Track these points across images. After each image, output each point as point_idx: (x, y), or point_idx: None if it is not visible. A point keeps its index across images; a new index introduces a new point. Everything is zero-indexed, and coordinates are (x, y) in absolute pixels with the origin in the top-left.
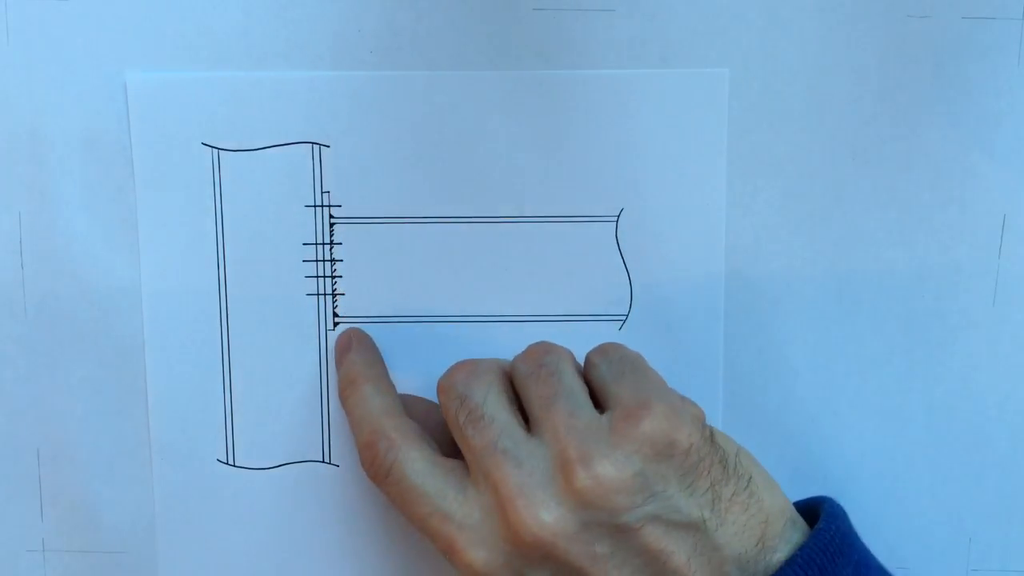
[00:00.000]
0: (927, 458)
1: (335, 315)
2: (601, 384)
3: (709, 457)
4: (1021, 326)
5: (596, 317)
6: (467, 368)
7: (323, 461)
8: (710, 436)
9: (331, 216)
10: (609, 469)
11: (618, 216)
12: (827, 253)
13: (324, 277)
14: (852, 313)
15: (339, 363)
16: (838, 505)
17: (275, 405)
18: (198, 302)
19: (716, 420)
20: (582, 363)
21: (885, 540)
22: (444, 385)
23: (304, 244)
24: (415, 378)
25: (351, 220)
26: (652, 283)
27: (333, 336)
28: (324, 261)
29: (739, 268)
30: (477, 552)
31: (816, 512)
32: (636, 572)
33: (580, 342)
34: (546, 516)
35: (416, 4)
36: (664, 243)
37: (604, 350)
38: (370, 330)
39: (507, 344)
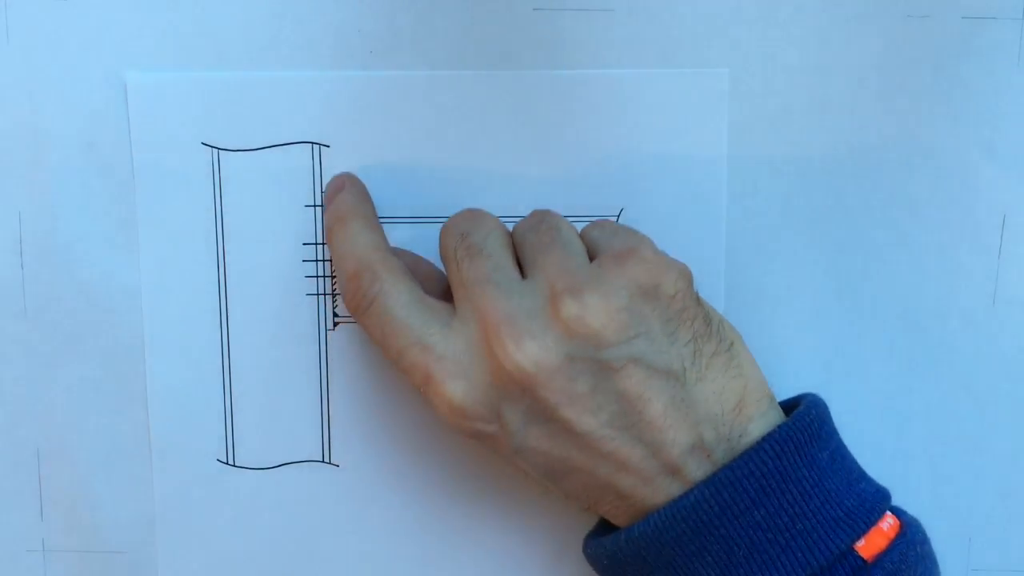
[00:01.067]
0: (927, 458)
1: (335, 315)
2: (592, 245)
3: (693, 308)
4: (1021, 326)
5: None
6: (473, 212)
7: (323, 461)
8: (696, 294)
9: None
10: (597, 300)
11: (618, 216)
12: (827, 253)
13: (324, 277)
14: (852, 313)
15: (327, 203)
16: (821, 400)
17: (275, 405)
18: (198, 302)
19: None
20: None
21: None
22: (447, 225)
23: (304, 244)
24: None
25: None
26: None
27: (333, 336)
28: (324, 261)
29: (739, 268)
30: (455, 383)
31: (799, 404)
32: (611, 418)
33: None
34: (531, 345)
35: (416, 4)
36: (664, 243)
37: (599, 223)
38: None
39: None
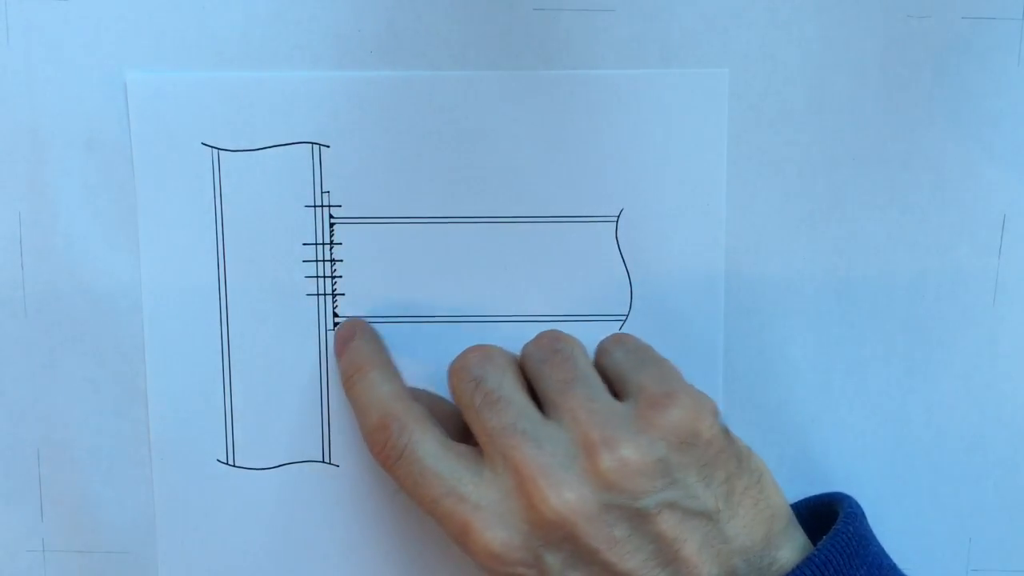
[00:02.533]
0: (927, 458)
1: (335, 315)
2: (618, 371)
3: (727, 450)
4: (1021, 326)
5: (596, 317)
6: (480, 352)
7: (323, 461)
8: (726, 430)
9: (331, 216)
10: (634, 453)
11: (618, 216)
12: (827, 253)
13: (324, 277)
14: (852, 313)
15: (340, 352)
16: (856, 504)
17: (275, 405)
18: (198, 302)
19: None
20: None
21: (885, 540)
22: (457, 368)
23: (304, 244)
24: (415, 378)
25: (351, 220)
26: (652, 283)
27: (333, 336)
28: (324, 261)
29: (739, 268)
30: (495, 532)
31: (833, 508)
32: (649, 558)
33: (581, 342)
34: (569, 495)
35: (416, 4)
36: (664, 243)
37: (619, 339)
38: None
39: (507, 344)
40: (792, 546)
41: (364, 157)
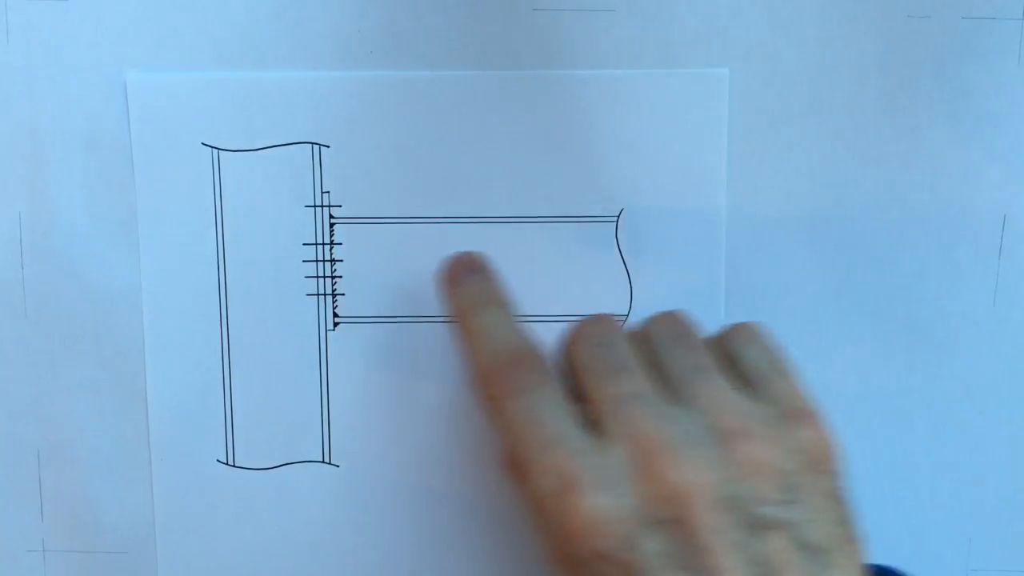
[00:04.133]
0: (927, 458)
1: (335, 315)
2: (754, 370)
3: (844, 492)
4: (1021, 326)
5: None
6: (604, 321)
7: (323, 461)
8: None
9: (331, 216)
10: (770, 452)
11: (618, 216)
12: (827, 253)
13: (324, 277)
14: (852, 313)
15: (459, 279)
16: None
17: (275, 405)
18: (198, 302)
19: None
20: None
21: (885, 540)
22: (582, 333)
23: (304, 244)
24: (416, 378)
25: (351, 220)
26: (652, 283)
27: (333, 336)
28: (324, 261)
29: (739, 268)
30: (604, 495)
31: None
32: None
33: None
34: (693, 474)
35: (416, 4)
36: (664, 243)
37: (754, 332)
38: (370, 330)
39: None
40: None
41: (364, 157)
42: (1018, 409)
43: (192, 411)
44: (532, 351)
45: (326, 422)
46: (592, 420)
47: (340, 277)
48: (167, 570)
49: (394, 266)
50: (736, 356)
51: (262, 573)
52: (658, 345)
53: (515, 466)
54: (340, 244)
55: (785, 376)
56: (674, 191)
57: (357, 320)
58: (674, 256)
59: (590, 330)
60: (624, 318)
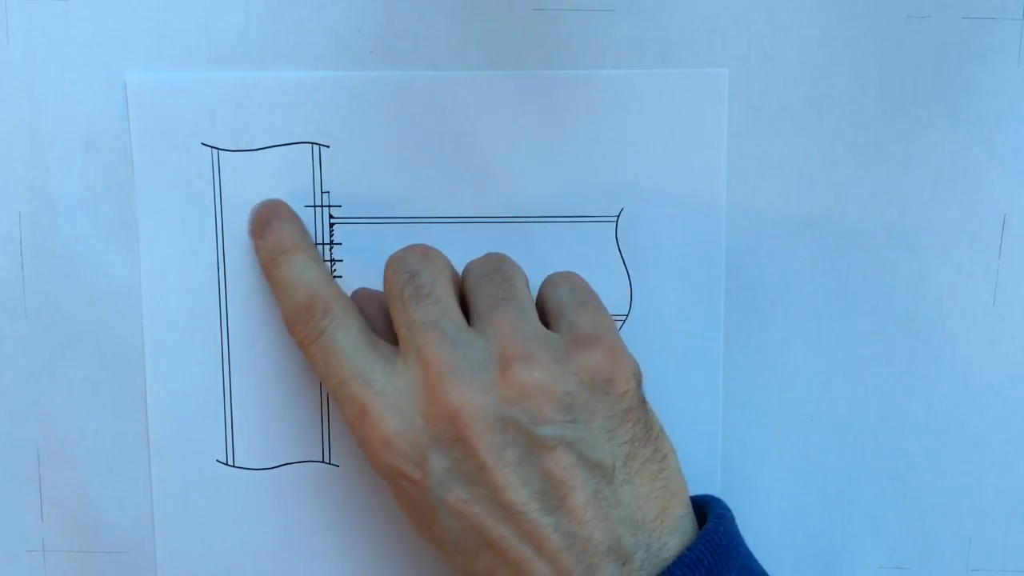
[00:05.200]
0: (927, 458)
1: None
2: (557, 305)
3: (636, 412)
4: (1021, 326)
5: None
6: (421, 249)
7: (323, 461)
8: (642, 396)
9: (331, 216)
10: (546, 375)
11: (618, 216)
12: (827, 253)
13: None
14: (852, 313)
15: (260, 233)
16: (726, 506)
17: (275, 405)
18: (198, 302)
19: (716, 420)
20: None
21: (885, 540)
22: (394, 259)
23: None
24: None
25: (351, 220)
26: (652, 283)
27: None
28: (324, 261)
29: (739, 268)
30: (390, 419)
31: (703, 511)
32: (535, 495)
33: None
34: (470, 395)
35: (416, 4)
36: (664, 243)
37: (569, 277)
38: None
39: None
40: (679, 536)
41: (364, 157)
42: (1018, 409)
43: (192, 411)
44: (327, 291)
45: (326, 422)
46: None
47: (340, 277)
48: (167, 570)
49: None
50: (547, 297)
51: (262, 573)
52: (471, 280)
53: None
54: (340, 244)
55: (584, 309)
56: (674, 191)
57: None
58: (674, 256)
59: (401, 255)
60: (624, 318)
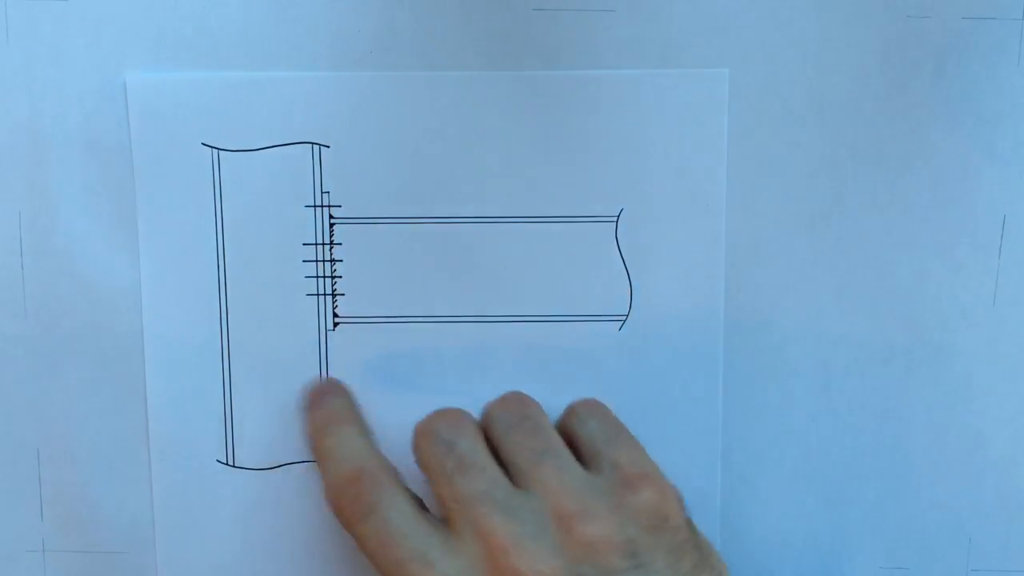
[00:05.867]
0: (927, 458)
1: (335, 315)
2: (590, 441)
3: (691, 539)
4: (1021, 326)
5: (596, 317)
6: (449, 416)
7: None
8: (691, 521)
9: (331, 216)
10: (607, 528)
11: (618, 216)
12: (827, 253)
13: (324, 277)
14: (852, 313)
15: (314, 405)
16: None
17: (275, 405)
18: (198, 302)
19: (716, 420)
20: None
21: (885, 540)
22: (424, 431)
23: (304, 244)
24: (415, 379)
25: (351, 220)
26: (652, 283)
27: (333, 336)
28: (324, 261)
29: (739, 268)
30: None
31: None
32: None
33: (580, 342)
34: (542, 567)
35: (416, 4)
36: (664, 243)
37: (593, 408)
38: (370, 330)
39: (507, 344)
40: None
41: (364, 157)
42: (1018, 409)
43: (192, 411)
44: (375, 466)
45: None
46: (445, 519)
47: (340, 277)
48: (167, 570)
49: (394, 266)
50: (576, 433)
51: (262, 573)
52: (500, 432)
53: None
54: (340, 244)
55: (619, 444)
56: (674, 191)
57: (357, 320)
58: (674, 256)
59: (433, 426)
60: (624, 318)
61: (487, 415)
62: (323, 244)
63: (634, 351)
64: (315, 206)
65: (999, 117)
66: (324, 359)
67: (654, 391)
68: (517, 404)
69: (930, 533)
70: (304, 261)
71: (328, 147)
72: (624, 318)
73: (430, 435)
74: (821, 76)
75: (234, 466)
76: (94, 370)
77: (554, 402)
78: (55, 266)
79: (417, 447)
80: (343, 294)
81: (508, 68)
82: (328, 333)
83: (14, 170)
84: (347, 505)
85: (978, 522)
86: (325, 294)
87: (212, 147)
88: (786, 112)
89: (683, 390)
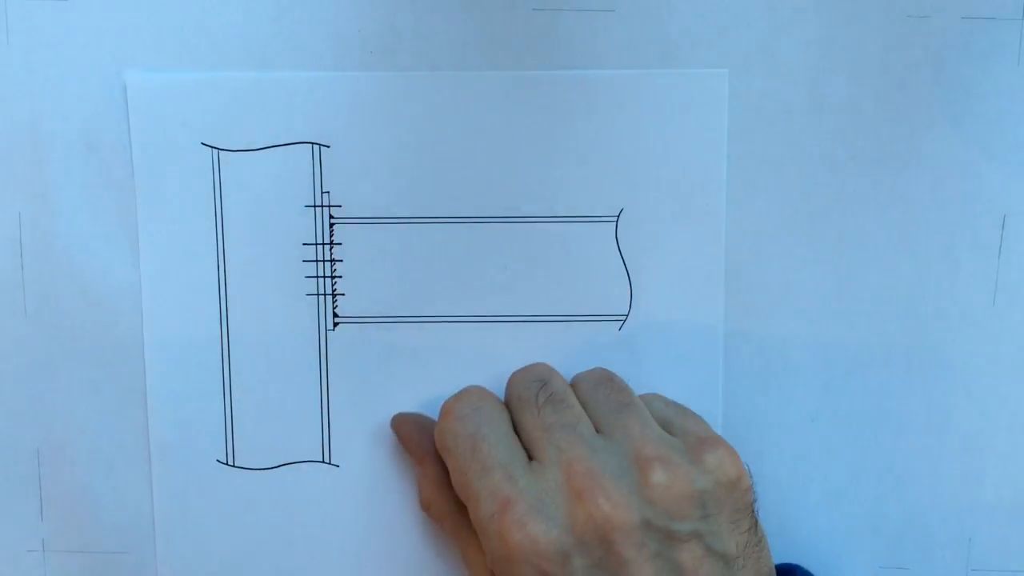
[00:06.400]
0: (927, 458)
1: (335, 315)
2: (660, 416)
3: (751, 506)
4: (1021, 326)
5: (596, 317)
6: (546, 367)
7: (323, 461)
8: (752, 488)
9: (331, 216)
10: (683, 477)
11: (618, 216)
12: (827, 253)
13: (324, 277)
14: (852, 313)
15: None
16: (809, 574)
17: (275, 405)
18: (198, 302)
19: (716, 420)
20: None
21: (885, 540)
22: (520, 373)
23: (304, 244)
24: (415, 379)
25: (351, 220)
26: (652, 283)
27: (333, 336)
28: (324, 261)
29: (739, 268)
30: (538, 518)
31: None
32: None
33: (580, 342)
34: (619, 500)
35: (416, 4)
36: (664, 243)
37: (655, 395)
38: (370, 330)
39: (507, 344)
40: None
41: (364, 157)
42: (1018, 409)
43: (192, 411)
44: (479, 390)
45: (326, 422)
46: (527, 448)
47: (340, 277)
48: (167, 570)
49: (394, 266)
50: (648, 408)
51: (262, 573)
52: (588, 388)
53: (459, 489)
54: (340, 244)
55: (688, 417)
56: (674, 191)
57: (357, 320)
58: (674, 256)
59: (528, 369)
60: (624, 318)
61: (575, 379)
62: (323, 244)
63: (634, 351)
64: (315, 206)
65: (998, 117)
66: (324, 359)
67: (654, 391)
68: (600, 370)
69: (930, 533)
70: (304, 261)
71: (328, 147)
72: (624, 318)
73: (524, 374)
74: (821, 76)
75: (234, 466)
76: (94, 370)
77: None
78: (55, 266)
79: (511, 383)
80: (343, 294)
81: (508, 68)
82: (328, 333)
83: (14, 170)
84: (455, 403)
85: (978, 522)
86: (325, 294)
87: (212, 147)
88: (786, 112)
89: (683, 389)
